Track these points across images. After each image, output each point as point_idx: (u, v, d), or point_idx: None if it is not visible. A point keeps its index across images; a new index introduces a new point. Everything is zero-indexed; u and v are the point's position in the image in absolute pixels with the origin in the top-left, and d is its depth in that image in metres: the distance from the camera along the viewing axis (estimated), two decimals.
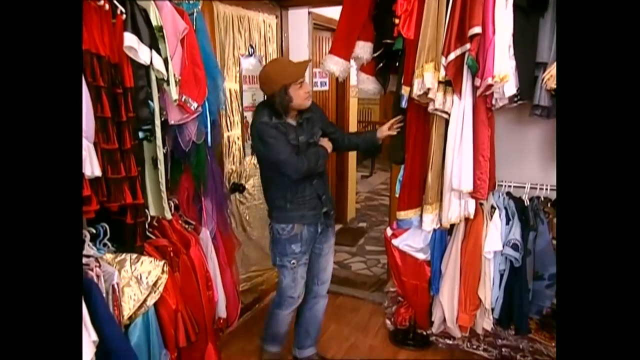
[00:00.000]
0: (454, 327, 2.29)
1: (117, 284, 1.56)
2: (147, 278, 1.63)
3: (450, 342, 2.55)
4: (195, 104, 1.84)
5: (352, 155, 4.80)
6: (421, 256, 2.30)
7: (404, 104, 2.14)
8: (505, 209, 2.15)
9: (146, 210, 1.81)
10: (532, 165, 2.30)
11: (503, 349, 2.41)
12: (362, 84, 2.41)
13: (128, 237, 1.70)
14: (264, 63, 2.78)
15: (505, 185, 2.22)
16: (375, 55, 2.27)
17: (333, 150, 2.18)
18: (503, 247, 2.07)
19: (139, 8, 1.65)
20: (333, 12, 3.56)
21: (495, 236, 2.07)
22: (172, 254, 1.83)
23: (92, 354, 1.36)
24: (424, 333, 2.61)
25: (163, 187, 1.84)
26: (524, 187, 2.17)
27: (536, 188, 2.15)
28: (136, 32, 1.61)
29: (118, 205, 1.60)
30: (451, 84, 1.93)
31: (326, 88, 4.42)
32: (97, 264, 1.53)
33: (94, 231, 1.63)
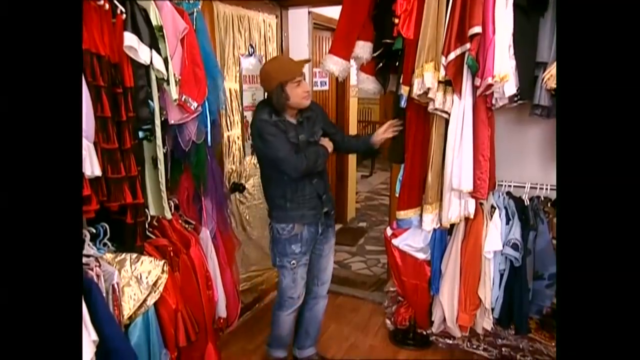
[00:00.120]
0: (454, 327, 2.29)
1: (117, 284, 1.56)
2: (147, 278, 1.64)
3: (450, 341, 2.55)
4: (195, 104, 1.84)
5: (352, 155, 4.80)
6: (421, 256, 2.30)
7: (403, 104, 2.15)
8: (505, 208, 2.15)
9: (146, 210, 1.81)
10: (532, 165, 2.30)
11: (503, 349, 2.41)
12: (362, 84, 2.40)
13: (128, 236, 1.70)
14: (263, 63, 2.78)
15: (505, 185, 2.22)
16: (375, 55, 2.26)
17: (333, 150, 2.17)
18: (503, 246, 2.07)
19: (139, 8, 1.65)
20: (333, 12, 3.55)
21: (495, 236, 2.07)
22: (172, 254, 1.83)
23: (92, 353, 1.36)
24: (424, 333, 2.61)
25: (163, 187, 1.84)
26: (524, 187, 2.17)
27: (536, 188, 2.15)
28: (136, 31, 1.61)
29: (118, 204, 1.60)
30: (451, 84, 1.93)
31: (326, 88, 4.42)
32: (97, 264, 1.53)
33: (94, 231, 1.63)
